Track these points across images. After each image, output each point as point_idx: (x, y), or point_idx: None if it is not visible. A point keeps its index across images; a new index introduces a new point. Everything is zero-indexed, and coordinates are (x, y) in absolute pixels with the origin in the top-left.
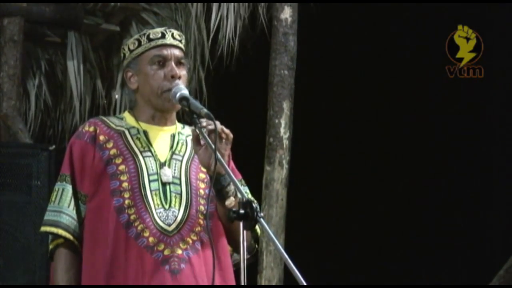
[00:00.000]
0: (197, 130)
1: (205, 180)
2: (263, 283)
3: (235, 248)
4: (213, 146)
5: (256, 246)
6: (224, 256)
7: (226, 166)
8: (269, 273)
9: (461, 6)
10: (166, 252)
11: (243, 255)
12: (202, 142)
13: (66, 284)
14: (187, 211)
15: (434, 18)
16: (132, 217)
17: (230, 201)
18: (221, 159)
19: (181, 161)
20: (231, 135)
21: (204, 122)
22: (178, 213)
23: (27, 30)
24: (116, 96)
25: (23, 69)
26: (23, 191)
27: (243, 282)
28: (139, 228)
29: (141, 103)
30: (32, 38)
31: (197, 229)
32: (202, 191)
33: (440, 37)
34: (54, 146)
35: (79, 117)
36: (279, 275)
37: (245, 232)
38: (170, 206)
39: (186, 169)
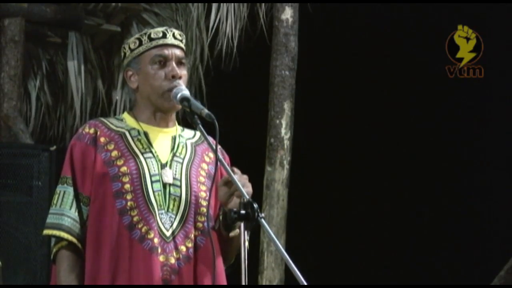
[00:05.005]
0: (197, 129)
1: (205, 183)
2: (264, 284)
3: (224, 261)
4: (213, 147)
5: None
6: (218, 261)
7: (230, 171)
8: (270, 274)
9: (461, 6)
10: (161, 259)
11: (244, 255)
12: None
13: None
14: (184, 216)
15: (434, 18)
16: (135, 218)
17: (235, 233)
18: (233, 175)
19: (182, 163)
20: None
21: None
22: (174, 219)
23: (28, 30)
24: (117, 97)
25: (24, 70)
26: (24, 191)
27: (243, 282)
28: (143, 230)
29: (141, 103)
30: (33, 39)
31: (192, 235)
32: (203, 194)
33: (440, 37)
34: (55, 147)
35: (80, 117)
36: (280, 276)
37: (245, 233)
38: (168, 210)
39: (186, 171)
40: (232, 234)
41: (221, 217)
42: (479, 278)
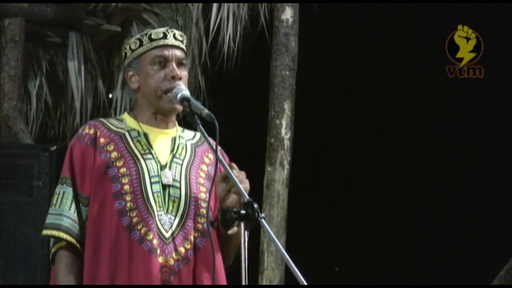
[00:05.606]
0: (198, 129)
1: (205, 184)
2: (264, 284)
3: (223, 261)
4: (214, 147)
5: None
6: (218, 262)
7: (229, 169)
8: (270, 274)
9: (461, 6)
10: (160, 260)
11: (244, 255)
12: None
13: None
14: (184, 218)
15: (434, 18)
16: (134, 220)
17: (233, 231)
18: (231, 172)
19: (181, 165)
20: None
21: (230, 170)
22: (174, 220)
23: (28, 30)
24: (117, 96)
25: (24, 70)
26: (24, 191)
27: (243, 282)
28: (142, 231)
29: (142, 103)
30: (33, 39)
31: (191, 236)
32: (203, 195)
33: (440, 37)
34: (55, 147)
35: (80, 117)
36: (280, 276)
37: (246, 233)
38: (167, 211)
39: (186, 172)
40: (230, 232)
41: (219, 215)
42: (479, 278)
